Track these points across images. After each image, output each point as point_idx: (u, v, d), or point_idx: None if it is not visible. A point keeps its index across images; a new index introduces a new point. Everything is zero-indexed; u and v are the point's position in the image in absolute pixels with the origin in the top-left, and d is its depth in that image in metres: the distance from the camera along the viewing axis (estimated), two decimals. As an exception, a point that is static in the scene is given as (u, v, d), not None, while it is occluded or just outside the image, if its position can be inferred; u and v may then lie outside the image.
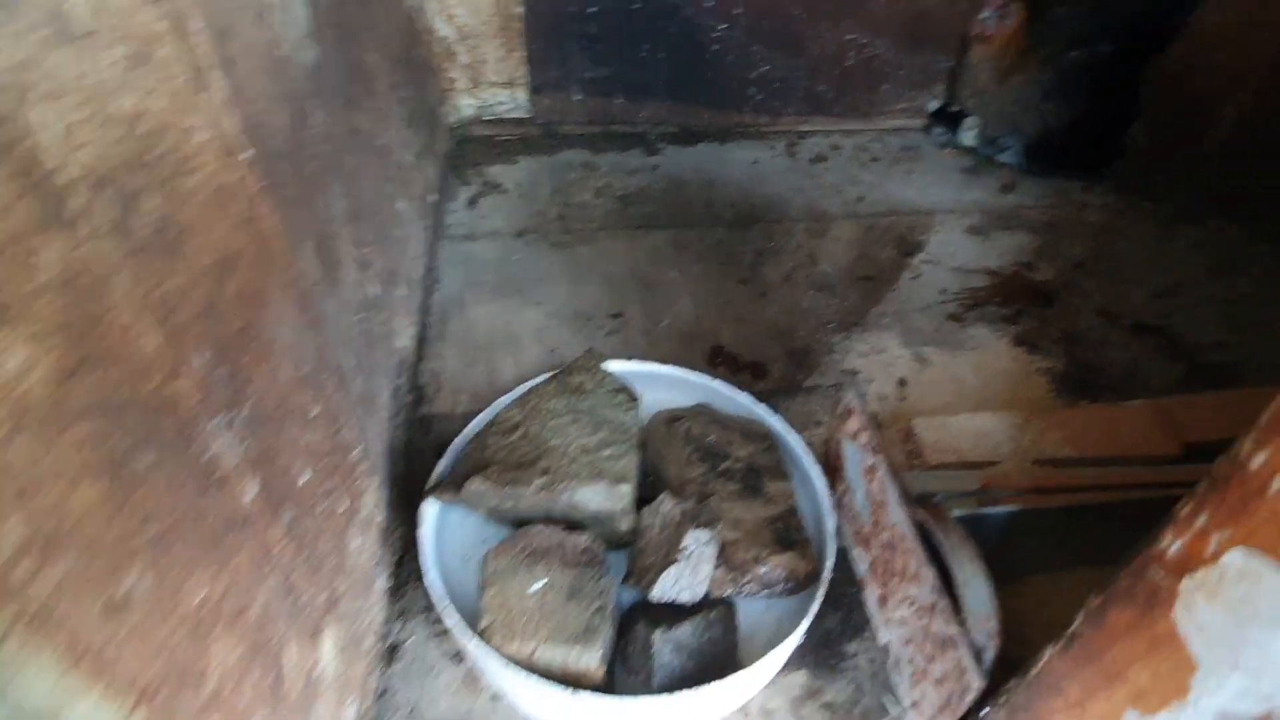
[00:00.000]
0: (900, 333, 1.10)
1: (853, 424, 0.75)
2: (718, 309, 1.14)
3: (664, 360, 1.03)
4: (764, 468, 0.78)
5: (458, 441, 0.78)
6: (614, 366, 0.88)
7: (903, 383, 1.00)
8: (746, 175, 1.53)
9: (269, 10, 0.54)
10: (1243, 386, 0.98)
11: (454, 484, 0.70)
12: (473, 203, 1.41)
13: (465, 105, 1.59)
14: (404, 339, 0.95)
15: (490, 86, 1.56)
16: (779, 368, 1.03)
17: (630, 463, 0.72)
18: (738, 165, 1.57)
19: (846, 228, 1.35)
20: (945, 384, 0.99)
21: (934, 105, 1.68)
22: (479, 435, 0.76)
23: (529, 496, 0.68)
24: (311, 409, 0.55)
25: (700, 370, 1.01)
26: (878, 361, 1.04)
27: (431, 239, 1.24)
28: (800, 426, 0.93)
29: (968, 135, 1.56)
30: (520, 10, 1.46)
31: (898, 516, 0.64)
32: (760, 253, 1.28)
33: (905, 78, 1.66)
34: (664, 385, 0.90)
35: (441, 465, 0.76)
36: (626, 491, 0.69)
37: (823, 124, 1.71)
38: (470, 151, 1.57)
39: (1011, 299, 1.16)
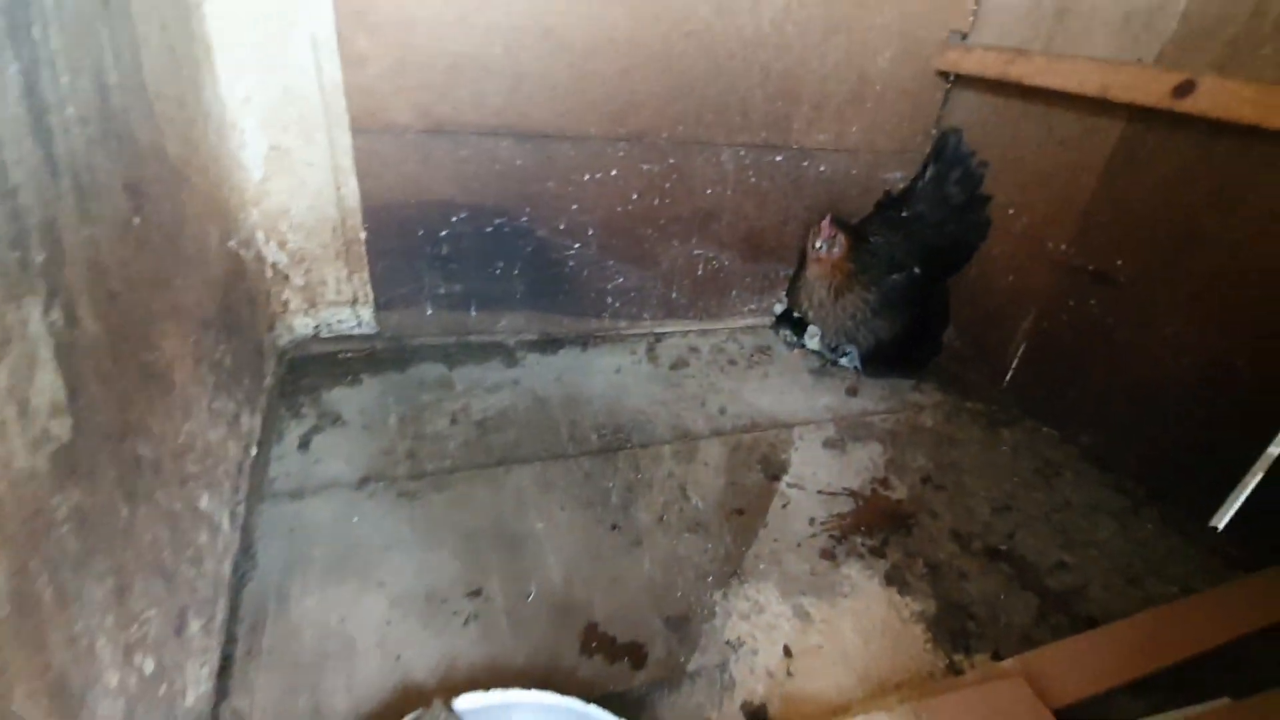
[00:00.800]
0: (778, 580, 1.06)
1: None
2: (589, 568, 1.05)
3: (534, 651, 0.92)
4: (654, 835, 0.67)
5: None
6: (469, 702, 0.75)
7: (788, 652, 0.95)
8: (610, 386, 1.51)
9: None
10: (1090, 613, 1.03)
11: None
12: (305, 443, 1.25)
13: (301, 325, 1.46)
14: (196, 691, 0.75)
15: (330, 306, 1.46)
16: (659, 645, 0.95)
17: None
18: (601, 374, 1.56)
19: (713, 448, 1.35)
20: (830, 650, 0.95)
21: (779, 308, 1.79)
22: None
23: None
24: None
25: (575, 658, 0.91)
26: (760, 624, 0.99)
27: (248, 509, 1.06)
28: (688, 730, 0.84)
29: (812, 341, 1.67)
30: (364, 235, 1.39)
31: None
32: (630, 486, 1.23)
33: (751, 284, 1.78)
34: (531, 713, 0.77)
35: None
36: None
37: (680, 325, 1.76)
38: (306, 374, 1.42)
39: (875, 526, 1.18)
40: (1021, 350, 1.53)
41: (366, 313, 1.49)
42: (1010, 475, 1.34)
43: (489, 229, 1.47)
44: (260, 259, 1.34)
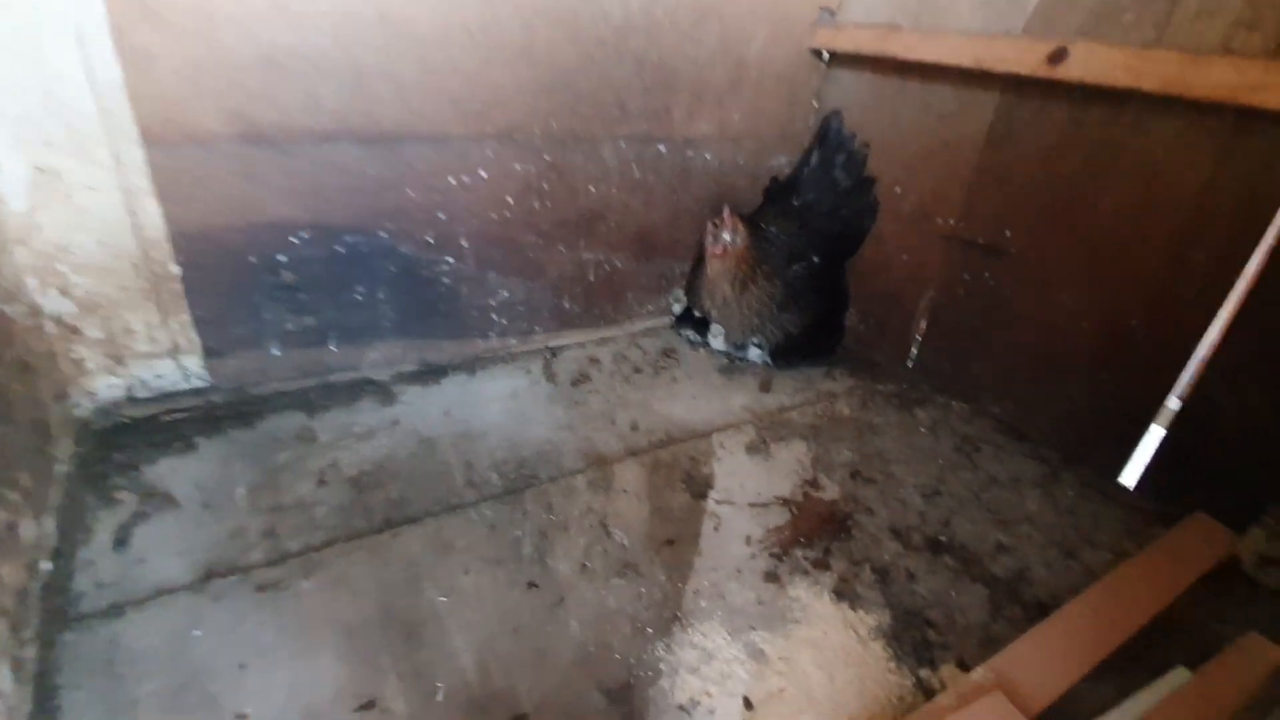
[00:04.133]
0: (724, 618, 0.95)
1: None
2: (508, 644, 0.88)
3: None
4: None
5: None
6: None
7: (749, 704, 0.83)
8: (507, 414, 1.34)
9: None
10: (1039, 597, 1.00)
11: None
12: (123, 539, 0.98)
13: (105, 387, 1.17)
14: None
15: (144, 359, 1.18)
16: (603, 726, 0.80)
17: None
18: (495, 402, 1.38)
19: (630, 471, 1.21)
20: (793, 693, 0.85)
21: (678, 308, 1.69)
22: None
23: None
24: None
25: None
26: (712, 675, 0.86)
27: (44, 648, 0.80)
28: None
29: (716, 340, 1.58)
30: (177, 270, 1.13)
31: None
32: (544, 532, 1.06)
33: (646, 284, 1.67)
34: None
35: None
36: None
37: (576, 336, 1.62)
38: (120, 447, 1.14)
39: (813, 534, 1.10)
40: (923, 327, 1.53)
41: (193, 362, 1.22)
42: (934, 457, 1.31)
43: (341, 249, 1.25)
44: (36, 313, 1.04)
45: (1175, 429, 1.15)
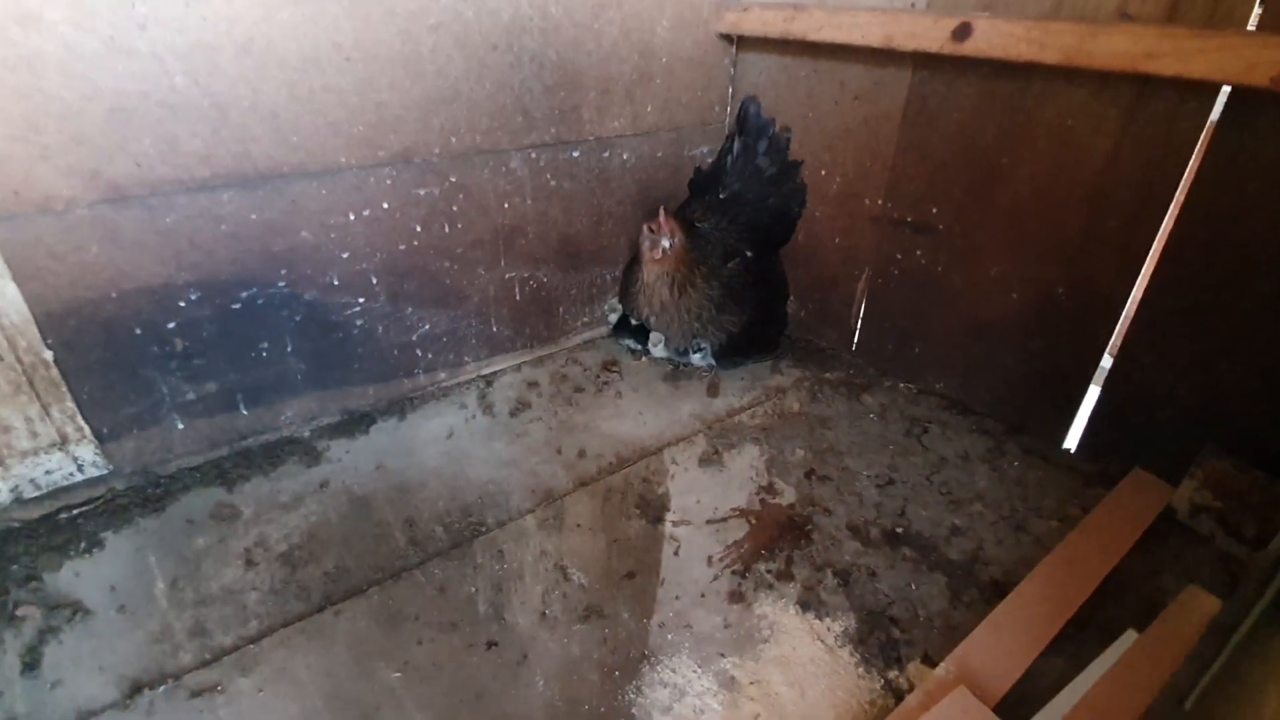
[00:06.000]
0: (692, 648, 0.92)
1: None
2: (472, 715, 0.83)
3: None
4: None
5: None
6: None
7: (726, 742, 0.81)
8: (445, 457, 1.27)
9: None
10: (993, 576, 1.02)
11: None
12: (33, 662, 0.89)
13: (-14, 494, 1.04)
14: None
15: (28, 456, 1.06)
16: (579, 792, 0.77)
17: None
18: (431, 445, 1.30)
19: (582, 504, 1.17)
20: (768, 717, 0.83)
21: (614, 316, 1.64)
22: None
23: None
24: None
25: None
26: (685, 712, 0.84)
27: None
28: None
29: (658, 348, 1.54)
30: (49, 354, 1.01)
31: None
32: (497, 584, 1.01)
33: (578, 295, 1.61)
34: None
35: None
36: None
37: (510, 359, 1.55)
38: (14, 557, 1.03)
39: (773, 543, 1.09)
40: (862, 310, 1.52)
41: (86, 451, 1.10)
42: (885, 444, 1.31)
43: (236, 305, 1.14)
44: (-122, 427, 0.92)
45: (1108, 389, 1.18)
